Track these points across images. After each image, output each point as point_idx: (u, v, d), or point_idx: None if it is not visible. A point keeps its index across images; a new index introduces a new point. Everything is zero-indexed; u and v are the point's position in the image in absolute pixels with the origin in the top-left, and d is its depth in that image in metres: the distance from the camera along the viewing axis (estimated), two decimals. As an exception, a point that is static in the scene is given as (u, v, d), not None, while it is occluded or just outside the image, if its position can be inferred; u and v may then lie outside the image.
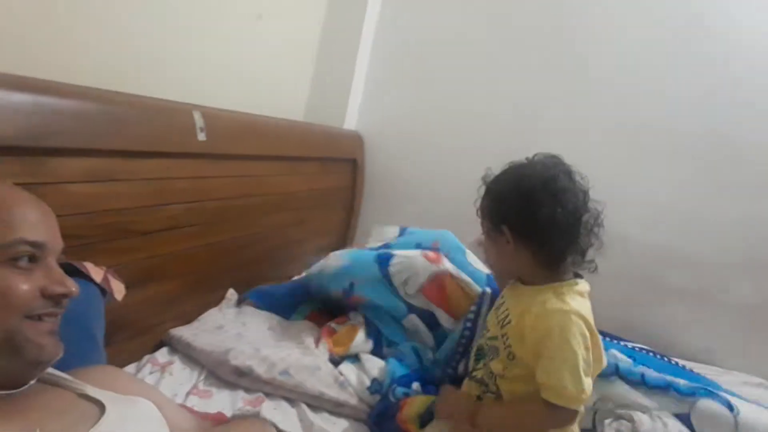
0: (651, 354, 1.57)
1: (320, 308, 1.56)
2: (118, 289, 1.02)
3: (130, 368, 1.17)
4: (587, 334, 0.93)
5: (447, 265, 1.45)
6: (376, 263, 1.45)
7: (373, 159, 2.36)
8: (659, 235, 1.96)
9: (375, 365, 1.25)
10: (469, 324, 1.32)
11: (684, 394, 1.21)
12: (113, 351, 1.14)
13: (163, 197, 1.20)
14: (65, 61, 1.12)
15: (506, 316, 1.03)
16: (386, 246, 1.62)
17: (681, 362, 1.63)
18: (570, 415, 0.92)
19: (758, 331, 1.86)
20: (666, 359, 1.54)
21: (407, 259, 1.45)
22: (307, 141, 1.84)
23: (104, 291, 1.00)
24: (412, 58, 2.28)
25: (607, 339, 1.53)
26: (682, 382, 1.24)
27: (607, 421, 1.22)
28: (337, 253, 1.61)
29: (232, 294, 1.54)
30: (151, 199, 1.17)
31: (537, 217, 0.96)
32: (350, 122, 2.30)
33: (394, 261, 1.44)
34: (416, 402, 1.13)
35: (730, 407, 1.19)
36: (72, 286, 0.68)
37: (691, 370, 1.50)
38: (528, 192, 0.98)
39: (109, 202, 1.06)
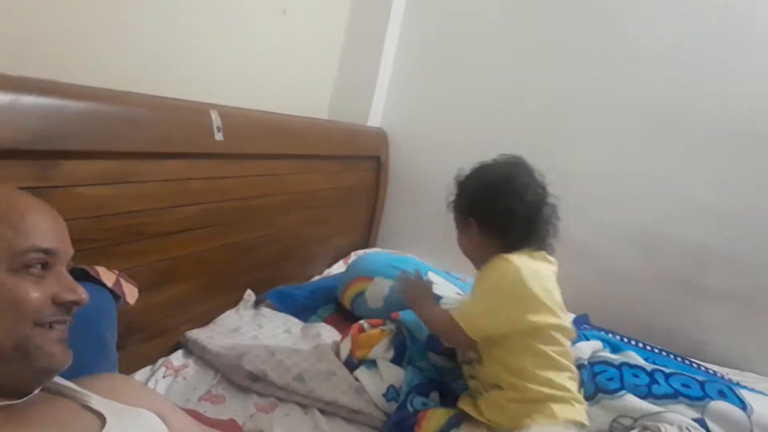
0: (671, 357, 1.51)
1: (340, 311, 1.54)
2: (131, 293, 1.01)
3: (145, 371, 1.17)
4: (523, 279, 1.02)
5: None
6: None
7: (398, 156, 2.32)
8: (696, 233, 1.87)
9: (392, 372, 1.22)
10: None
11: (694, 398, 1.19)
12: (128, 354, 1.15)
13: (178, 198, 1.19)
14: (77, 62, 1.11)
15: None
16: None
17: (704, 365, 1.56)
18: (459, 332, 1.05)
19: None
20: (687, 361, 1.48)
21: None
22: (328, 139, 1.81)
23: (117, 295, 0.99)
24: (438, 54, 2.22)
25: (624, 340, 1.49)
26: (697, 381, 1.23)
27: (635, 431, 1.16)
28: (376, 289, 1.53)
29: (249, 295, 1.53)
30: (166, 201, 1.15)
31: (498, 208, 1.09)
32: (375, 119, 2.26)
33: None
34: (436, 415, 1.08)
35: (744, 406, 1.17)
36: (83, 293, 0.67)
37: (710, 370, 1.44)
38: (490, 187, 1.11)
39: (123, 205, 1.05)
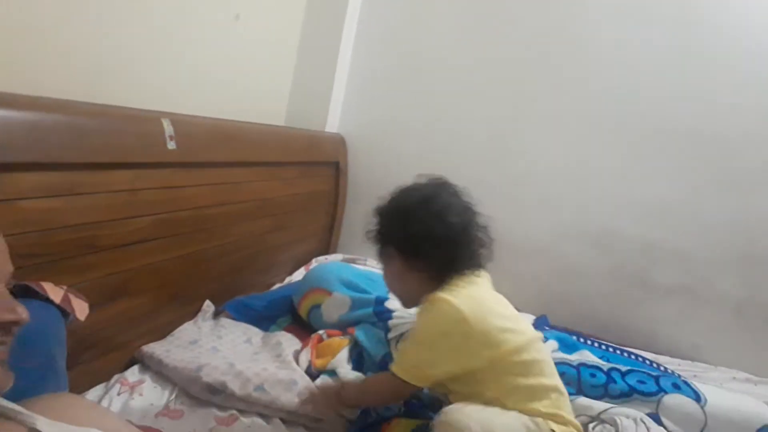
0: (625, 354, 1.58)
1: (297, 322, 1.53)
2: (81, 309, 0.97)
3: (99, 389, 1.13)
4: (458, 318, 0.95)
5: None
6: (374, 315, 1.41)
7: (356, 161, 2.32)
8: (646, 230, 1.95)
9: (352, 379, 1.21)
10: None
11: (648, 393, 1.23)
12: (81, 371, 1.11)
13: (130, 210, 1.15)
14: (16, 71, 1.07)
15: None
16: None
17: (658, 360, 1.63)
18: (404, 386, 1.00)
19: (745, 327, 1.86)
20: (640, 359, 1.54)
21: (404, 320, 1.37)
22: (286, 145, 1.79)
23: (66, 312, 0.95)
24: (395, 58, 2.24)
25: (581, 340, 1.52)
26: (651, 377, 1.28)
27: (591, 425, 1.20)
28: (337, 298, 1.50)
29: (208, 306, 1.50)
30: (117, 213, 1.12)
31: (417, 232, 1.00)
32: (332, 125, 2.26)
33: (394, 314, 1.38)
34: (400, 426, 1.07)
35: (698, 397, 1.22)
36: (22, 312, 0.64)
37: (661, 367, 1.51)
38: (408, 210, 1.03)
39: (70, 218, 1.01)
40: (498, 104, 2.11)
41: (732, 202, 1.83)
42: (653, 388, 1.25)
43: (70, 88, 1.18)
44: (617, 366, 1.32)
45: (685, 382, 1.29)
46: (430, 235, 1.00)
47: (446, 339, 0.97)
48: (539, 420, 0.94)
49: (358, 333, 1.37)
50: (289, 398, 1.12)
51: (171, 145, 1.23)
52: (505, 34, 2.07)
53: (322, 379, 1.24)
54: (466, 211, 1.05)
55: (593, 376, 1.29)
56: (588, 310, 2.02)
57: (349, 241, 2.38)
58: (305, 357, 1.32)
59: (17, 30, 1.07)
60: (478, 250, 1.05)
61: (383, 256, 1.09)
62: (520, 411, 0.95)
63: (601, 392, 1.25)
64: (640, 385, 1.26)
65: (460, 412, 0.92)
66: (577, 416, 1.18)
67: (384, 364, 1.25)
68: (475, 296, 1.00)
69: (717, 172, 1.84)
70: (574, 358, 1.37)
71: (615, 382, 1.27)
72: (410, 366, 1.01)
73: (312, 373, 1.25)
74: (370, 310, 1.43)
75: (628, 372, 1.31)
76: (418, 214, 1.01)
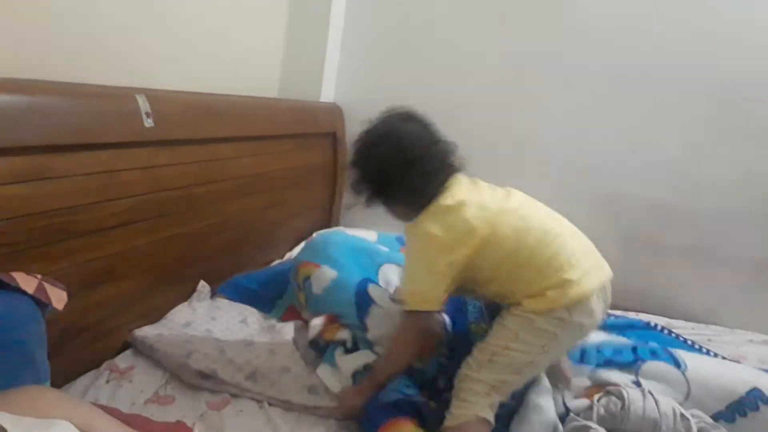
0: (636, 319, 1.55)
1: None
2: (58, 298, 0.94)
3: (89, 376, 1.10)
4: (435, 244, 1.01)
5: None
6: (355, 305, 1.30)
7: (355, 131, 2.23)
8: (656, 191, 1.87)
9: (349, 360, 1.17)
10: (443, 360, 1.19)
11: (625, 363, 1.21)
12: (69, 360, 1.09)
13: (108, 192, 1.11)
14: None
15: None
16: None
17: (672, 326, 1.58)
18: (417, 316, 1.06)
19: (762, 288, 1.79)
20: (649, 324, 1.50)
21: (387, 315, 1.26)
22: (275, 118, 1.72)
23: (42, 302, 0.92)
24: (389, 23, 2.14)
25: None
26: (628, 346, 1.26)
27: (596, 397, 1.16)
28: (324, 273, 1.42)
29: (203, 286, 1.46)
30: (93, 196, 1.07)
31: (385, 168, 1.04)
32: (327, 94, 2.18)
33: (372, 311, 1.27)
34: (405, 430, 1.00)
35: (677, 364, 1.20)
36: None
37: (664, 330, 1.50)
38: (374, 155, 1.06)
39: (42, 203, 0.97)
40: (500, 67, 2.02)
41: (746, 157, 1.74)
42: (630, 357, 1.22)
43: (35, 67, 1.12)
44: (590, 341, 1.28)
45: (665, 350, 1.26)
46: (397, 165, 1.03)
47: (428, 259, 1.03)
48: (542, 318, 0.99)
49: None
50: (281, 389, 1.09)
51: (148, 122, 1.17)
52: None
53: (322, 369, 1.18)
54: (425, 131, 1.10)
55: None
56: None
57: (351, 213, 2.33)
58: (316, 327, 1.27)
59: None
60: (450, 163, 1.08)
61: (372, 200, 1.10)
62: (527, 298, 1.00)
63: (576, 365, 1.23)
64: (617, 356, 1.23)
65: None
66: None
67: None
68: (448, 206, 1.04)
69: (728, 126, 1.75)
70: None
71: (589, 354, 1.25)
72: (416, 297, 1.05)
73: (319, 347, 1.23)
74: (352, 293, 1.32)
75: (603, 344, 1.27)
76: (383, 153, 1.05)
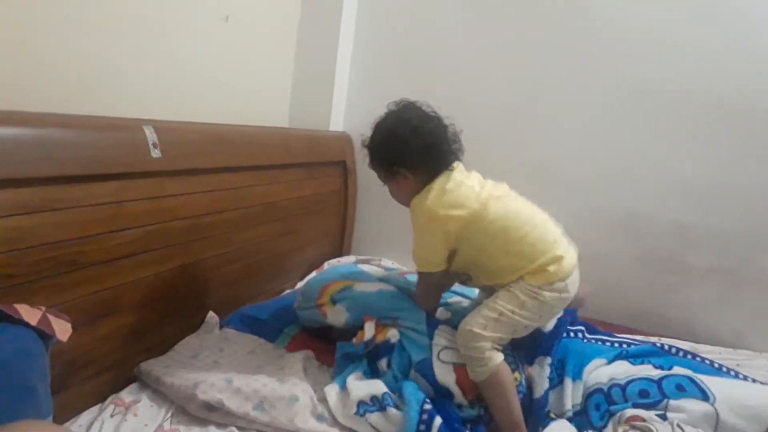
0: (651, 344, 1.48)
1: (305, 330, 1.46)
2: (63, 330, 0.93)
3: (93, 410, 1.08)
4: (433, 217, 1.20)
5: None
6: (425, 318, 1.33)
7: (365, 159, 2.24)
8: (676, 211, 1.82)
9: (361, 387, 1.14)
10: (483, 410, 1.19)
11: (651, 405, 1.15)
12: (74, 393, 1.07)
13: (116, 223, 1.11)
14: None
15: None
16: None
17: (697, 350, 1.51)
18: (427, 278, 1.29)
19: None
20: (667, 347, 1.42)
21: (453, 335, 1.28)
22: (285, 147, 1.73)
23: (47, 334, 0.91)
24: (396, 49, 2.16)
25: (600, 343, 1.42)
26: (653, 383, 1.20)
27: (621, 430, 1.10)
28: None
29: (211, 317, 1.44)
30: (100, 227, 1.07)
31: (415, 148, 1.21)
32: (337, 123, 2.19)
33: (440, 327, 1.29)
34: None
35: (706, 396, 1.14)
36: None
37: (687, 355, 1.41)
38: (398, 135, 1.23)
39: (49, 235, 0.97)
40: (510, 89, 2.01)
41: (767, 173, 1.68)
42: (657, 397, 1.16)
43: (51, 100, 1.15)
44: (616, 379, 1.22)
45: (692, 381, 1.18)
46: (428, 146, 1.21)
47: (428, 230, 1.22)
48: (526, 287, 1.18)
49: (402, 338, 1.29)
50: (289, 417, 1.05)
51: (155, 153, 1.18)
52: (513, 15, 1.97)
53: (332, 387, 1.17)
54: (436, 119, 1.27)
55: (597, 407, 1.19)
56: (617, 300, 1.89)
57: (362, 241, 2.31)
58: (370, 330, 1.30)
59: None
60: (454, 147, 1.27)
61: (395, 178, 1.27)
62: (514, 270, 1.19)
63: (608, 416, 1.17)
64: (643, 399, 1.16)
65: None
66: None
67: (420, 367, 1.20)
68: (444, 186, 1.22)
69: (751, 143, 1.70)
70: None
71: (615, 402, 1.18)
72: (423, 261, 1.26)
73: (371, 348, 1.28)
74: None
75: (629, 383, 1.20)
76: (404, 134, 1.22)
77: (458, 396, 1.17)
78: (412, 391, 1.10)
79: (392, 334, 1.29)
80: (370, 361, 1.27)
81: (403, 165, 1.23)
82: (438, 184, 1.22)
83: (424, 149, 1.21)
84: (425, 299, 1.34)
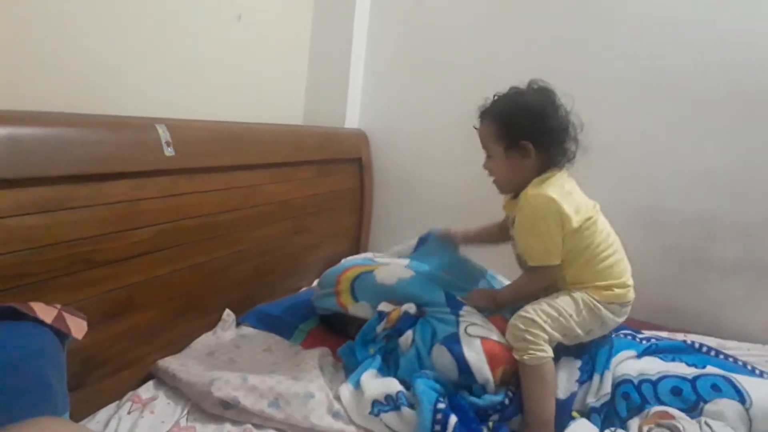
0: (681, 341, 1.42)
1: (321, 325, 1.45)
2: (78, 327, 0.93)
3: (111, 408, 1.09)
4: (558, 210, 1.15)
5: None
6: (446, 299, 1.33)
7: (382, 156, 2.23)
8: (701, 204, 1.75)
9: (374, 387, 1.12)
10: (510, 395, 1.16)
11: (687, 409, 1.10)
12: (91, 391, 1.08)
13: (129, 221, 1.11)
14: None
15: (513, 221, 1.27)
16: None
17: (725, 347, 1.45)
18: (548, 270, 1.20)
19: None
20: (697, 345, 1.37)
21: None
22: (298, 145, 1.72)
23: (61, 331, 0.91)
24: (411, 45, 2.14)
25: (629, 337, 1.37)
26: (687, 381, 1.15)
27: (645, 428, 1.06)
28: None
29: (228, 315, 1.45)
30: (114, 225, 1.08)
31: (551, 126, 1.19)
32: (352, 120, 2.18)
33: (464, 308, 1.29)
34: None
35: (742, 399, 1.08)
36: None
37: (720, 354, 1.35)
38: (539, 108, 1.19)
39: (63, 233, 0.97)
40: (529, 77, 1.97)
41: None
42: (692, 397, 1.10)
43: (64, 100, 1.16)
44: (647, 374, 1.17)
45: (727, 380, 1.13)
46: (559, 128, 1.19)
47: (548, 220, 1.16)
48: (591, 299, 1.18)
49: (427, 316, 1.28)
50: (305, 414, 1.05)
51: (169, 151, 1.19)
52: (527, 7, 1.93)
53: (345, 387, 1.16)
54: (566, 108, 1.23)
55: (626, 397, 1.15)
56: (642, 296, 1.83)
57: (379, 238, 2.30)
58: (385, 306, 1.32)
59: None
60: (572, 146, 1.24)
61: (508, 151, 1.21)
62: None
63: (637, 413, 1.12)
64: (676, 399, 1.11)
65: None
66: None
67: (446, 341, 1.18)
68: (563, 185, 1.20)
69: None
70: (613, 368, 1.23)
71: (648, 402, 1.12)
72: (544, 253, 1.18)
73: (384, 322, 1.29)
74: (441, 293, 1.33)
75: (660, 380, 1.15)
76: (548, 112, 1.19)
77: (484, 374, 1.13)
78: (425, 390, 1.07)
79: (408, 306, 1.29)
80: (387, 352, 1.26)
81: (533, 140, 1.18)
82: (557, 180, 1.20)
83: (560, 131, 1.19)
84: (530, 291, 1.25)
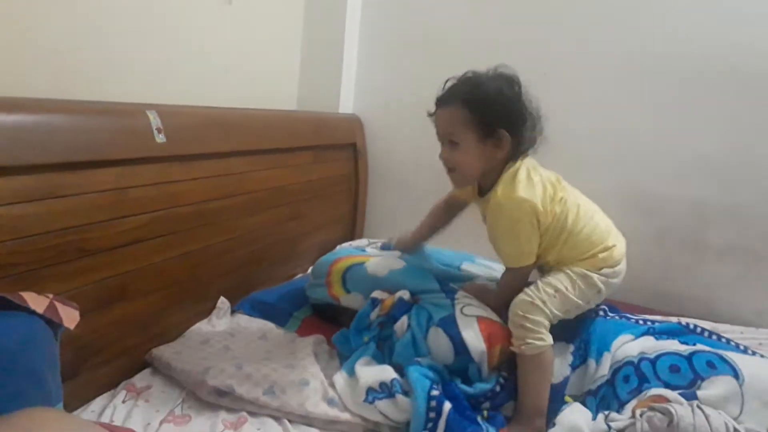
0: (675, 322, 1.43)
1: (317, 312, 1.45)
2: (70, 317, 0.92)
3: (105, 397, 1.09)
4: (533, 209, 1.13)
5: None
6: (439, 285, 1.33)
7: (376, 142, 2.22)
8: (693, 188, 1.76)
9: (369, 374, 1.12)
10: (502, 381, 1.16)
11: (686, 386, 1.09)
12: (85, 381, 1.07)
13: (121, 209, 1.10)
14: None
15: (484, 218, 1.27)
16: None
17: (718, 330, 1.46)
18: (523, 270, 1.22)
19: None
20: (692, 326, 1.38)
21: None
22: (292, 130, 1.71)
23: (54, 321, 0.90)
24: (405, 30, 2.11)
25: (624, 319, 1.37)
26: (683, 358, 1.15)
27: (638, 412, 1.07)
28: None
29: (223, 303, 1.44)
30: (106, 213, 1.06)
31: (524, 115, 1.16)
32: (346, 105, 2.16)
33: (459, 292, 1.31)
34: None
35: (736, 374, 1.08)
36: None
37: (712, 335, 1.36)
38: (515, 95, 1.16)
39: (53, 222, 0.96)
40: (522, 65, 1.94)
41: (792, 149, 1.62)
42: (689, 375, 1.10)
43: (52, 86, 1.14)
44: (645, 353, 1.17)
45: (721, 358, 1.13)
46: (528, 116, 1.16)
47: (522, 221, 1.14)
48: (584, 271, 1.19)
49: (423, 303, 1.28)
50: (300, 401, 1.05)
51: (160, 138, 1.17)
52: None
53: (340, 375, 1.16)
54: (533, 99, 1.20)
55: (626, 380, 1.14)
56: (635, 280, 1.84)
57: (374, 224, 2.29)
58: (379, 293, 1.31)
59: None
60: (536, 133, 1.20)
61: (483, 138, 1.15)
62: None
63: (637, 394, 1.12)
64: (674, 376, 1.11)
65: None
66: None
67: (442, 322, 1.19)
68: (530, 176, 1.17)
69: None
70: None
71: (648, 381, 1.12)
72: (519, 255, 1.19)
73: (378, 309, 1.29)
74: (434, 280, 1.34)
75: (658, 357, 1.16)
76: (518, 98, 1.16)
77: (480, 352, 1.13)
78: (418, 377, 1.07)
79: (403, 293, 1.29)
80: (382, 339, 1.26)
81: (508, 128, 1.14)
82: (522, 172, 1.16)
83: (533, 119, 1.16)
84: (512, 293, 1.21)
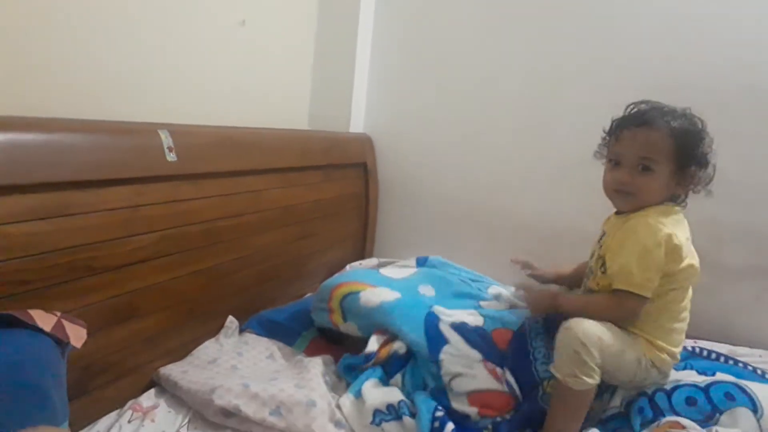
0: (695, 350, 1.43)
1: (324, 333, 1.44)
2: (77, 335, 0.92)
3: (112, 416, 1.08)
4: (677, 246, 1.07)
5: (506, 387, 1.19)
6: (425, 338, 1.26)
7: (387, 161, 2.22)
8: (706, 208, 1.71)
9: (376, 396, 1.11)
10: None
11: (701, 420, 1.06)
12: (93, 399, 1.07)
13: (131, 227, 1.10)
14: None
15: (602, 236, 1.23)
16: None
17: (736, 353, 1.43)
18: (635, 302, 1.07)
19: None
20: (705, 352, 1.35)
21: (464, 356, 1.22)
22: (303, 149, 1.72)
23: (60, 339, 0.90)
24: (415, 50, 2.13)
25: None
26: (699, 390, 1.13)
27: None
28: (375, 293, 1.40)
29: (231, 322, 1.44)
30: (116, 231, 1.07)
31: (707, 161, 1.14)
32: (357, 125, 2.17)
33: (446, 348, 1.22)
34: None
35: (755, 407, 1.06)
36: None
37: (729, 360, 1.37)
38: (709, 139, 1.15)
39: (63, 240, 0.97)
40: (527, 91, 1.96)
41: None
42: (707, 407, 1.07)
43: (65, 105, 1.15)
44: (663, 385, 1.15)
45: (739, 388, 1.10)
46: (709, 164, 1.15)
47: (656, 252, 1.06)
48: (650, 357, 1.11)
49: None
50: (307, 423, 1.03)
51: (171, 156, 1.18)
52: (531, 11, 1.92)
53: (346, 397, 1.14)
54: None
55: (640, 411, 1.11)
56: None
57: (385, 244, 2.28)
58: (373, 344, 1.26)
59: None
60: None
61: (674, 174, 1.13)
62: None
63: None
64: (691, 410, 1.08)
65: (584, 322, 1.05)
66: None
67: (433, 394, 1.14)
68: (686, 230, 1.15)
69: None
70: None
71: (663, 414, 1.09)
72: (642, 281, 1.06)
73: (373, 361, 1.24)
74: (420, 322, 1.29)
75: (674, 389, 1.13)
76: (710, 143, 1.15)
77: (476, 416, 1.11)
78: (424, 399, 1.06)
79: (399, 346, 1.25)
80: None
81: (698, 166, 1.13)
82: (682, 220, 1.15)
83: (712, 167, 1.16)
84: (603, 315, 1.10)
